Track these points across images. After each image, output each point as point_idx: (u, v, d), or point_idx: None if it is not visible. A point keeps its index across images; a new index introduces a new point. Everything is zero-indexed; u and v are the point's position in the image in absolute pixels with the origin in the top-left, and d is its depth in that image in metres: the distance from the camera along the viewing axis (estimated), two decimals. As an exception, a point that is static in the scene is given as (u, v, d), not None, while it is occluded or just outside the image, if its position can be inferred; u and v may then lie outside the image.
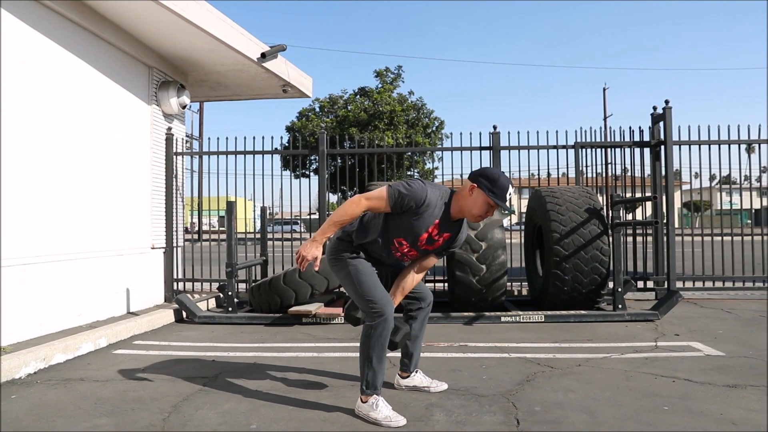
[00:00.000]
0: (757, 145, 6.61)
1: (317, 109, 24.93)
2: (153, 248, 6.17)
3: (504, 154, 6.54)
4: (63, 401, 3.01)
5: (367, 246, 2.78)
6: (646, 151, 6.59)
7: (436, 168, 22.08)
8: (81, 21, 4.89)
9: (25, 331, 4.29)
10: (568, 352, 3.96)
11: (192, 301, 5.51)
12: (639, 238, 6.68)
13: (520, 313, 5.14)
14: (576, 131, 6.50)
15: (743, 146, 6.59)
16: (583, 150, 6.55)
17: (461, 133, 6.57)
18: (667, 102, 6.33)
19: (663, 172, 6.52)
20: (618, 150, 6.59)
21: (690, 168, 6.72)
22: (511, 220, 15.54)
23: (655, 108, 6.54)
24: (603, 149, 6.73)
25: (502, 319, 5.09)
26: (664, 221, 6.39)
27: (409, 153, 17.75)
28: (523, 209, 7.44)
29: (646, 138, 6.56)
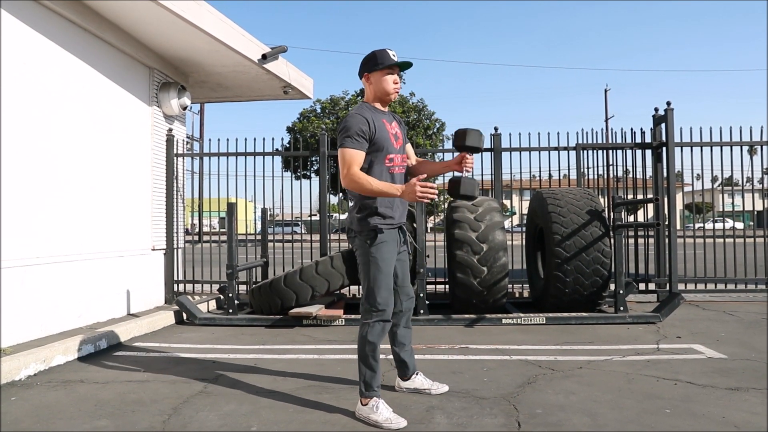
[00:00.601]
0: (758, 147, 6.60)
1: (318, 111, 24.94)
2: (153, 249, 6.16)
3: (505, 155, 6.54)
4: (63, 403, 3.00)
5: (386, 201, 2.74)
6: (648, 152, 6.58)
7: (437, 169, 22.02)
8: (81, 22, 4.89)
9: (26, 333, 4.29)
10: (569, 355, 3.95)
11: (192, 302, 5.50)
12: (641, 240, 6.66)
13: (522, 315, 5.13)
14: (577, 132, 6.49)
15: (745, 148, 6.58)
16: (585, 151, 6.54)
17: (462, 135, 6.55)
18: (668, 103, 6.32)
19: (665, 174, 6.51)
20: (619, 151, 6.58)
21: (692, 169, 6.72)
22: (512, 221, 15.52)
23: (656, 109, 6.53)
24: (604, 151, 6.72)
25: (504, 321, 5.08)
26: (666, 223, 6.38)
27: (410, 154, 17.72)
28: (525, 211, 7.42)
29: (648, 139, 6.55)
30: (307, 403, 2.93)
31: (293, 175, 13.86)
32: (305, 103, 25.85)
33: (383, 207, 2.74)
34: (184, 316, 5.45)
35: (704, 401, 2.89)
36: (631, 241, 6.60)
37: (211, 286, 7.02)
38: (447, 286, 6.27)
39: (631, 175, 6.69)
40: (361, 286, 2.84)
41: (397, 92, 2.84)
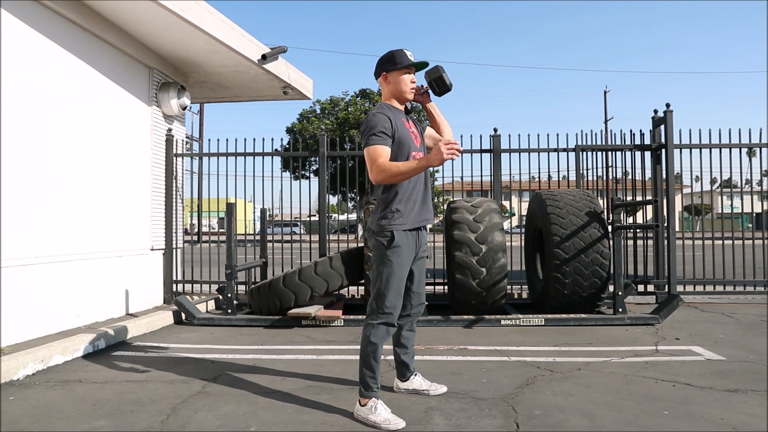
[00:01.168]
0: (757, 149, 6.61)
1: (318, 111, 24.94)
2: (152, 249, 6.16)
3: (505, 156, 6.55)
4: (61, 403, 3.00)
5: (407, 195, 2.72)
6: (647, 154, 6.58)
7: (437, 171, 22.02)
8: (81, 21, 4.89)
9: (24, 332, 4.28)
10: (568, 356, 3.95)
11: (191, 302, 5.50)
12: (639, 242, 6.66)
13: (520, 316, 5.13)
14: (577, 134, 6.50)
15: (744, 150, 6.59)
16: (584, 153, 6.55)
17: (462, 136, 6.59)
18: (668, 105, 6.33)
19: (664, 176, 6.51)
20: (619, 153, 6.59)
21: (691, 171, 6.71)
22: (511, 222, 15.53)
23: (656, 111, 6.53)
24: (604, 152, 6.73)
25: (502, 322, 5.08)
26: (665, 225, 6.39)
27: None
28: (524, 212, 7.42)
29: (647, 141, 6.55)
30: (305, 404, 2.93)
31: (292, 176, 13.87)
32: (305, 104, 25.87)
33: (402, 204, 2.71)
34: (183, 316, 5.45)
35: (703, 403, 2.89)
36: (630, 242, 6.60)
37: (210, 286, 7.02)
38: (446, 287, 6.27)
39: (630, 177, 6.70)
40: (370, 286, 2.83)
41: (413, 91, 2.87)
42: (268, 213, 7.67)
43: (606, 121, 36.35)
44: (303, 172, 22.55)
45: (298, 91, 7.43)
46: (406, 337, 3.03)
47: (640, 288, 6.54)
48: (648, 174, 6.61)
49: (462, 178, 7.19)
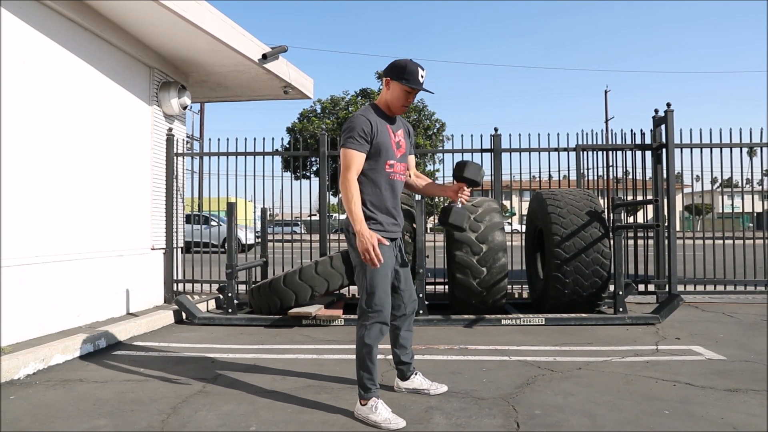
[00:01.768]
0: (758, 149, 6.60)
1: (318, 111, 24.94)
2: (153, 249, 6.16)
3: (505, 156, 6.55)
4: (62, 402, 3.00)
5: (377, 203, 2.75)
6: (648, 154, 6.58)
7: (437, 170, 22.05)
8: (81, 21, 4.89)
9: (25, 332, 4.29)
10: (568, 356, 3.95)
11: (192, 302, 5.50)
12: (640, 241, 6.66)
13: (521, 315, 5.13)
14: (577, 134, 6.50)
15: (744, 149, 6.59)
16: (585, 153, 6.54)
17: (462, 136, 6.57)
18: (668, 105, 6.33)
19: (664, 175, 6.51)
20: (619, 153, 6.59)
21: (691, 171, 6.71)
22: (512, 222, 15.52)
23: (656, 111, 6.53)
24: (604, 152, 6.72)
25: (503, 321, 5.08)
26: (666, 224, 6.38)
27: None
28: (524, 212, 7.43)
29: (648, 141, 6.55)
30: (306, 403, 2.93)
31: (293, 175, 13.87)
32: (305, 103, 25.87)
33: (371, 211, 2.74)
34: (184, 315, 5.45)
35: (703, 402, 2.89)
36: (631, 242, 6.60)
37: (210, 286, 7.02)
38: (446, 287, 6.27)
39: (630, 177, 6.70)
40: (357, 289, 2.84)
41: (405, 108, 2.83)
42: (268, 212, 7.67)
43: (606, 121, 36.33)
44: (304, 172, 22.56)
45: (298, 90, 7.43)
46: (405, 337, 3.03)
47: (641, 287, 6.54)
48: (648, 173, 6.61)
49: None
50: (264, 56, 6.30)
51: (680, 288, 6.44)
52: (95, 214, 5.21)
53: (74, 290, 4.88)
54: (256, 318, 5.28)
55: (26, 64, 4.40)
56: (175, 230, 6.41)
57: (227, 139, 6.69)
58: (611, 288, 5.37)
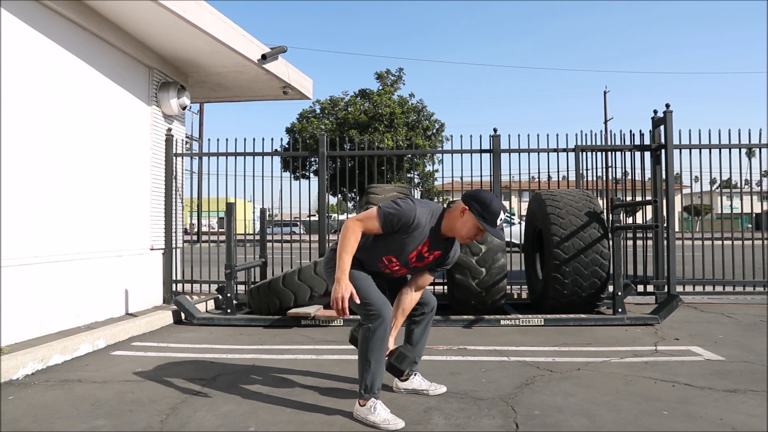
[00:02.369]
0: (757, 149, 6.61)
1: (318, 111, 24.92)
2: (152, 249, 6.16)
3: (504, 156, 6.54)
4: (61, 402, 3.00)
5: (360, 256, 2.78)
6: (647, 154, 6.58)
7: (437, 171, 22.04)
8: (81, 21, 4.88)
9: (24, 332, 4.28)
10: (567, 356, 3.95)
11: (191, 302, 5.49)
12: (639, 242, 6.67)
13: (520, 316, 5.13)
14: (576, 134, 6.50)
15: (743, 150, 6.60)
16: (584, 153, 6.55)
17: (461, 136, 6.57)
18: (667, 106, 6.33)
19: (663, 176, 6.51)
20: (618, 153, 6.59)
21: (690, 172, 6.72)
22: (510, 222, 15.52)
23: (655, 112, 6.53)
24: (603, 152, 6.73)
25: (502, 322, 5.08)
26: (665, 225, 6.39)
27: (409, 155, 17.75)
28: (523, 212, 7.43)
29: (647, 141, 6.56)
30: (305, 404, 2.93)
31: (292, 176, 13.87)
32: (305, 104, 25.84)
33: (362, 257, 2.78)
34: (183, 315, 5.45)
35: (702, 403, 2.89)
36: (630, 242, 6.59)
37: (209, 286, 7.01)
38: (445, 287, 6.27)
39: (629, 177, 6.70)
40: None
41: (469, 241, 2.74)
42: (267, 213, 7.67)
43: (606, 122, 36.35)
44: (303, 172, 22.55)
45: (297, 91, 7.43)
46: (417, 334, 3.07)
47: (640, 288, 6.54)
48: (648, 174, 6.62)
49: (462, 178, 7.19)
50: (263, 57, 6.30)
51: (679, 288, 6.44)
52: (94, 215, 5.20)
53: (73, 290, 4.87)
54: (255, 318, 5.28)
55: (26, 64, 4.40)
56: (174, 230, 6.41)
57: (226, 140, 6.68)
58: (610, 288, 5.37)
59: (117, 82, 5.58)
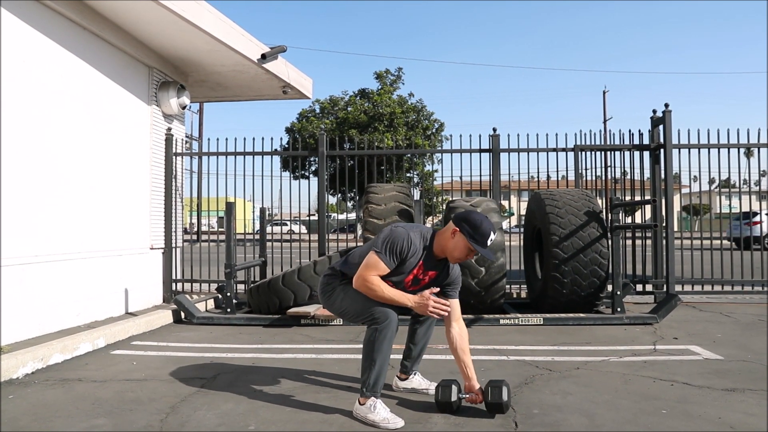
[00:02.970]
0: (756, 149, 6.62)
1: (317, 111, 24.92)
2: (152, 249, 6.16)
3: (503, 156, 6.55)
4: (61, 401, 3.00)
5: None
6: (646, 154, 6.59)
7: (436, 170, 22.03)
8: (81, 21, 4.89)
9: (24, 331, 4.29)
10: (566, 355, 3.96)
11: (190, 301, 5.50)
12: (638, 242, 6.68)
13: (519, 315, 5.14)
14: (576, 134, 6.51)
15: (742, 150, 6.60)
16: (583, 153, 6.56)
17: (461, 135, 6.58)
18: (666, 105, 6.34)
19: (662, 176, 6.52)
20: (617, 153, 6.60)
21: (689, 171, 6.73)
22: (510, 222, 15.53)
23: (654, 111, 6.54)
24: (603, 152, 6.73)
25: (501, 321, 5.09)
26: (663, 224, 6.40)
27: (409, 155, 17.76)
28: (523, 212, 7.44)
29: (646, 141, 6.57)
30: (304, 403, 2.94)
31: (292, 175, 13.88)
32: (304, 103, 25.83)
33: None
34: (183, 315, 5.45)
35: (701, 402, 2.90)
36: (629, 242, 6.60)
37: (209, 286, 7.02)
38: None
39: (628, 177, 6.71)
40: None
41: (459, 261, 2.79)
42: (267, 212, 7.67)
43: (605, 121, 36.37)
44: (302, 172, 22.55)
45: (297, 90, 7.43)
46: (420, 334, 3.07)
47: (639, 287, 6.55)
48: (647, 174, 6.63)
49: (461, 177, 7.20)
50: (263, 56, 6.30)
51: (678, 288, 6.45)
52: (94, 214, 5.21)
53: (73, 290, 4.88)
54: (254, 317, 5.29)
55: (26, 63, 4.40)
56: (174, 230, 6.41)
57: (226, 139, 6.70)
58: (609, 288, 5.38)
59: (117, 82, 5.58)
